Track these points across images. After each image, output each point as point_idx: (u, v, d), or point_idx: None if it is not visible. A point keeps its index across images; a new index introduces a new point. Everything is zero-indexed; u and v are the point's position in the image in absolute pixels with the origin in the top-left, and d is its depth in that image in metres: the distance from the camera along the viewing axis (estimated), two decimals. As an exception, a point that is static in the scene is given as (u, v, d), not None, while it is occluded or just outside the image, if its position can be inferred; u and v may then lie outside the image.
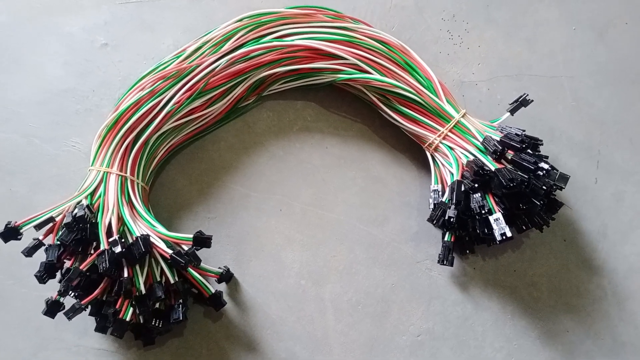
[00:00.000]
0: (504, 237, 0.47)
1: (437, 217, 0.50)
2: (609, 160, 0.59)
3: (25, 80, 0.59)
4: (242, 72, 0.54)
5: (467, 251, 0.54)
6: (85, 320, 0.51)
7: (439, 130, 0.53)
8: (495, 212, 0.48)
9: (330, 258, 0.56)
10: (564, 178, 0.50)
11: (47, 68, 0.59)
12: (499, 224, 0.48)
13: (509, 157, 0.49)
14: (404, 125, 0.55)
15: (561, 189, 0.50)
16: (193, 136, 0.56)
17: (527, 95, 0.52)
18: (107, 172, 0.50)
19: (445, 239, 0.52)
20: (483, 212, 0.48)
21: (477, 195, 0.49)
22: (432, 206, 0.52)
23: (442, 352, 0.55)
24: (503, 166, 0.49)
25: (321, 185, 0.57)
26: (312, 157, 0.58)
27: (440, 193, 0.53)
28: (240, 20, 0.54)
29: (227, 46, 0.53)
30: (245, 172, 0.57)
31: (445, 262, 0.52)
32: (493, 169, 0.48)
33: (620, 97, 0.59)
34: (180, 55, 0.53)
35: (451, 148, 0.52)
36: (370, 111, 0.58)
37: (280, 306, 0.55)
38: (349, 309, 0.55)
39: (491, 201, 0.49)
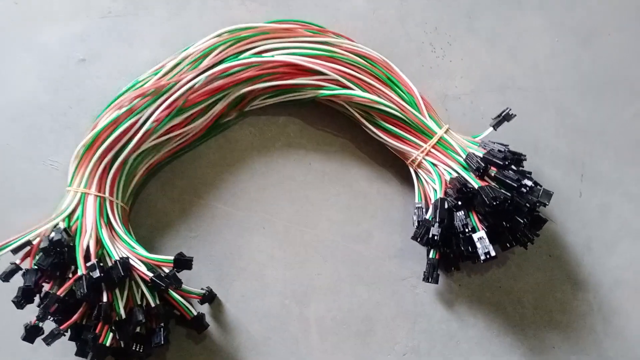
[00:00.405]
0: (488, 257, 0.48)
1: (421, 235, 0.50)
2: (593, 171, 0.59)
3: (-1, 96, 0.58)
4: (222, 88, 0.53)
5: (452, 268, 0.55)
6: (65, 343, 0.50)
7: (422, 147, 0.53)
8: (479, 231, 0.48)
9: (314, 276, 0.56)
10: (548, 194, 0.50)
11: (21, 82, 0.58)
12: (482, 243, 0.48)
13: (492, 174, 0.50)
14: (386, 141, 0.55)
15: (544, 205, 0.50)
16: (173, 154, 0.56)
17: (510, 110, 0.53)
18: (85, 193, 0.50)
19: (430, 256, 0.53)
20: (467, 230, 0.48)
21: (461, 213, 0.49)
22: (415, 223, 0.52)
23: (428, 370, 0.55)
24: (487, 184, 0.49)
25: (304, 202, 0.57)
26: (295, 174, 0.58)
27: (423, 210, 0.53)
28: (219, 35, 0.54)
29: (206, 62, 0.52)
30: (227, 190, 0.57)
31: (430, 279, 0.52)
32: (476, 186, 0.49)
33: (604, 108, 0.60)
34: (159, 72, 0.53)
35: (434, 165, 0.53)
36: (354, 126, 0.58)
37: (263, 326, 0.55)
38: (333, 327, 0.55)
39: (475, 219, 0.49)
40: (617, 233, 0.58)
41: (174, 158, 0.57)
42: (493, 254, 0.48)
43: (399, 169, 0.58)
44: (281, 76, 0.54)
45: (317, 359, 0.54)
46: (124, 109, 0.51)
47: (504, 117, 0.53)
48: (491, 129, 0.53)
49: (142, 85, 0.52)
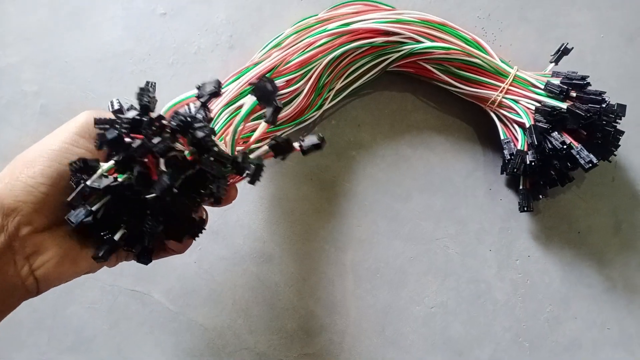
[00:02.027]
0: (591, 164, 0.56)
1: (517, 165, 0.58)
2: (627, 159, 0.67)
3: (86, 39, 0.69)
4: (311, 60, 0.59)
5: (541, 196, 0.63)
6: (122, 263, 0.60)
7: (500, 86, 0.61)
8: (576, 146, 0.56)
9: (354, 227, 0.64)
10: (622, 107, 0.58)
11: (107, 30, 0.69)
12: (582, 154, 0.56)
13: (574, 96, 0.58)
14: (465, 89, 0.62)
15: (622, 116, 0.58)
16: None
17: (567, 43, 0.61)
18: None
19: (521, 187, 0.62)
20: (564, 147, 0.56)
21: (555, 134, 0.57)
22: (507, 157, 0.60)
23: (453, 325, 0.62)
24: (571, 103, 0.57)
25: (351, 160, 0.66)
26: (345, 134, 0.67)
27: (511, 144, 0.60)
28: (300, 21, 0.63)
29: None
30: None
31: (526, 208, 0.61)
32: (565, 106, 0.56)
33: (638, 101, 0.68)
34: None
35: (515, 101, 0.60)
36: (403, 96, 0.67)
37: (303, 267, 0.63)
38: (367, 275, 0.63)
39: (569, 137, 0.57)
40: (646, 219, 0.65)
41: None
42: (595, 160, 0.56)
43: (441, 137, 0.67)
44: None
45: (350, 302, 0.62)
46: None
47: (562, 52, 0.61)
48: (552, 64, 0.62)
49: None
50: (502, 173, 0.64)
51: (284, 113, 0.60)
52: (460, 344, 0.61)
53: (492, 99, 0.62)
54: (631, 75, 0.67)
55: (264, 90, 0.41)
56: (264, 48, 0.62)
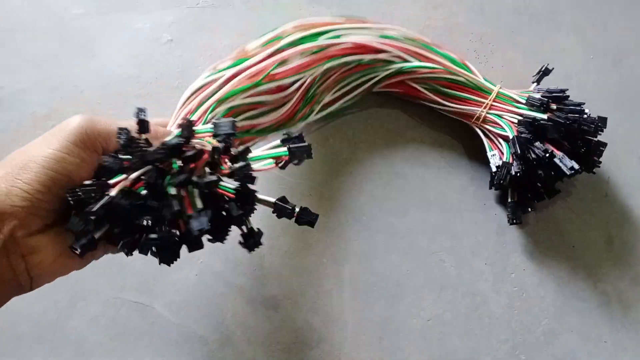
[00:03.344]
0: (573, 171, 0.60)
1: (504, 176, 0.62)
2: (619, 176, 0.71)
3: (94, 65, 0.75)
4: (295, 72, 0.64)
5: (529, 209, 0.67)
6: (124, 274, 0.64)
7: (484, 103, 0.66)
8: (558, 154, 0.61)
9: (352, 241, 0.69)
10: (603, 119, 0.63)
11: (114, 58, 0.76)
12: (564, 161, 0.61)
13: (554, 108, 0.63)
14: (450, 106, 0.68)
15: (603, 129, 0.63)
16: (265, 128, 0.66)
17: (548, 64, 0.67)
18: None
19: (509, 200, 0.66)
20: (547, 155, 0.60)
21: (538, 143, 0.61)
22: (494, 168, 0.65)
23: (450, 338, 0.66)
24: (551, 114, 0.62)
25: (348, 176, 0.71)
26: (342, 151, 0.72)
27: (497, 157, 0.65)
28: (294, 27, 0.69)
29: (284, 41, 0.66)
30: (281, 160, 0.71)
31: (515, 221, 0.66)
32: (545, 117, 0.62)
33: (630, 121, 0.73)
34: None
35: (499, 115, 0.66)
36: (397, 114, 0.73)
37: (302, 280, 0.67)
38: (365, 288, 0.67)
39: (550, 146, 0.61)
40: (637, 234, 0.69)
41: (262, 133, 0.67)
42: (577, 166, 0.60)
43: (435, 154, 0.72)
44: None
45: (347, 314, 0.66)
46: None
47: (543, 73, 0.67)
48: (534, 84, 0.67)
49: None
50: (490, 188, 0.69)
51: (270, 119, 0.65)
52: (458, 357, 0.64)
53: (477, 115, 0.67)
54: (617, 96, 0.73)
55: (298, 154, 0.48)
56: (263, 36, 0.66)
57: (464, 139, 0.71)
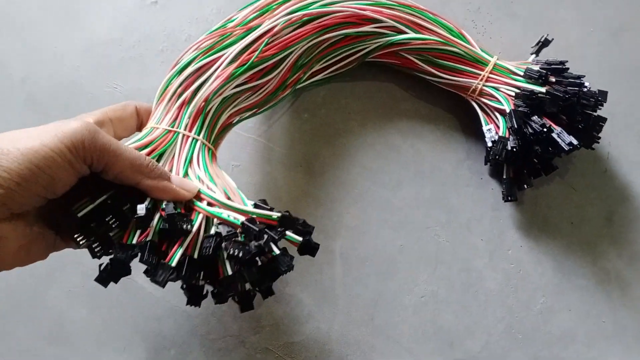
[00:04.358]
0: (571, 147, 0.58)
1: (499, 152, 0.61)
2: (619, 152, 0.70)
3: (75, 29, 0.72)
4: (289, 43, 0.61)
5: (526, 186, 0.65)
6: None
7: (480, 75, 0.64)
8: (556, 128, 0.59)
9: (344, 215, 0.67)
10: (604, 93, 0.61)
11: (96, 19, 0.72)
12: (562, 136, 0.59)
13: (553, 81, 0.61)
14: (445, 78, 0.66)
15: (603, 102, 0.61)
16: (253, 107, 0.63)
17: (548, 35, 0.65)
18: (178, 132, 0.51)
19: (504, 176, 0.65)
20: (544, 130, 0.59)
21: (535, 117, 0.60)
22: (490, 143, 0.63)
23: (445, 315, 0.64)
24: (550, 87, 0.60)
25: (341, 148, 0.69)
26: (336, 121, 0.70)
27: (493, 131, 0.63)
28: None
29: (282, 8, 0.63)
30: (270, 128, 0.69)
31: (510, 198, 0.64)
32: (544, 90, 0.60)
33: (630, 95, 0.71)
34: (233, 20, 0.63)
35: (496, 88, 0.64)
36: (391, 86, 0.71)
37: (291, 253, 0.65)
38: (357, 264, 0.65)
39: (548, 121, 0.60)
40: (637, 210, 0.68)
41: (254, 114, 0.64)
42: (575, 142, 0.58)
43: (431, 128, 0.70)
44: (347, 27, 0.65)
45: (338, 290, 0.64)
46: (202, 50, 0.58)
47: (542, 44, 0.65)
48: (533, 55, 0.65)
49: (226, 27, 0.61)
50: (486, 163, 0.67)
51: (255, 99, 0.62)
52: (452, 334, 0.62)
53: (473, 87, 0.65)
54: (618, 69, 0.72)
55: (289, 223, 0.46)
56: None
57: (459, 112, 0.70)
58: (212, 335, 0.60)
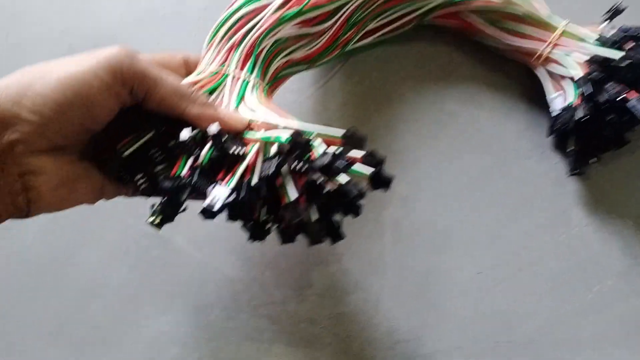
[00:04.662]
0: None
1: (567, 121, 0.56)
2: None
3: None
4: None
5: (593, 160, 0.61)
6: (143, 201, 0.59)
7: (548, 40, 0.60)
8: (632, 97, 0.54)
9: (395, 183, 0.62)
10: None
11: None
12: (639, 107, 0.54)
13: (629, 48, 0.56)
14: (510, 42, 0.62)
15: None
16: (310, 59, 0.59)
17: (621, 3, 0.60)
18: (230, 75, 0.48)
19: (568, 148, 0.60)
20: (619, 99, 0.54)
21: (609, 85, 0.55)
22: (556, 113, 0.59)
23: (500, 295, 0.59)
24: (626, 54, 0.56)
25: (393, 113, 0.65)
26: (388, 86, 0.66)
27: (560, 100, 0.59)
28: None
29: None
30: (318, 91, 0.66)
31: (575, 172, 0.60)
32: (619, 56, 0.55)
33: None
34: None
35: (565, 54, 0.59)
36: (449, 50, 0.67)
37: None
38: (408, 235, 0.61)
39: (624, 89, 0.55)
40: None
41: (310, 66, 0.61)
42: None
43: (491, 96, 0.66)
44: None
45: (387, 261, 0.60)
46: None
47: (615, 11, 0.60)
48: (607, 22, 0.61)
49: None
50: (549, 135, 0.62)
51: (307, 50, 0.58)
52: (509, 315, 0.58)
53: (539, 52, 0.61)
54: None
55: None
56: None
57: (522, 79, 0.66)
58: (255, 302, 0.57)
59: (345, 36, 0.61)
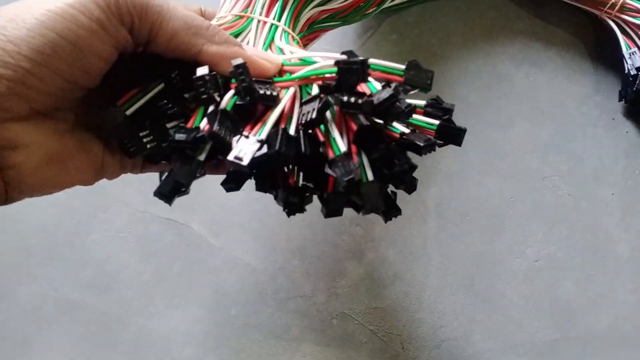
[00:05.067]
0: None
1: None
2: None
3: None
4: None
5: None
6: (156, 183, 0.52)
7: None
8: None
9: (439, 159, 0.55)
10: None
11: None
12: None
13: None
14: None
15: None
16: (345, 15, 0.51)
17: None
18: (255, 19, 0.41)
19: None
20: None
21: None
22: (632, 72, 0.51)
23: (563, 284, 0.52)
24: None
25: (438, 76, 0.56)
26: (431, 44, 0.57)
27: (638, 57, 0.52)
28: None
29: None
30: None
31: None
32: None
33: None
34: None
35: None
36: (502, 2, 0.58)
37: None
38: (455, 218, 0.53)
39: None
40: None
41: (345, 21, 0.52)
42: None
43: (552, 55, 0.57)
44: None
45: (432, 248, 0.52)
46: None
47: None
48: None
49: None
50: (621, 99, 0.54)
51: (342, 4, 0.49)
52: (572, 308, 0.51)
53: (612, 0, 0.52)
54: None
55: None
56: None
57: (588, 34, 0.57)
58: (281, 294, 0.51)
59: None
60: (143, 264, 0.52)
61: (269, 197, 0.34)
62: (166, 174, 0.31)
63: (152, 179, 0.36)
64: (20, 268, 0.52)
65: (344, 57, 0.29)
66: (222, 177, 0.34)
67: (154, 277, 0.51)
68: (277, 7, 0.41)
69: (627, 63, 0.52)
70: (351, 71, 0.29)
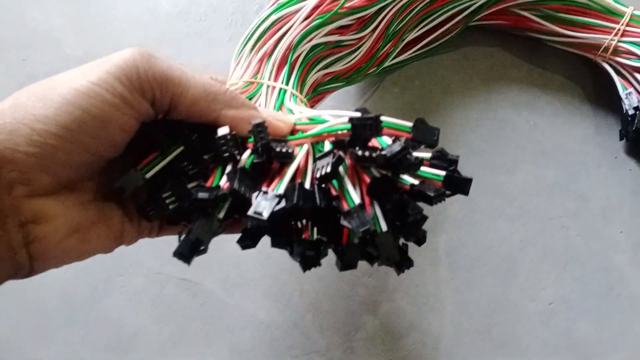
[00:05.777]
0: None
1: None
2: None
3: (135, 4, 0.65)
4: None
5: None
6: (169, 244, 0.53)
7: (614, 29, 0.53)
8: None
9: (448, 205, 0.55)
10: None
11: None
12: None
13: None
14: (570, 36, 0.55)
15: None
16: (349, 75, 0.53)
17: None
18: (264, 84, 0.42)
19: None
20: None
21: None
22: (630, 112, 0.52)
23: (579, 325, 0.51)
24: None
25: (441, 126, 0.57)
26: (433, 95, 0.59)
27: (634, 96, 0.53)
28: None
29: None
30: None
31: None
32: None
33: None
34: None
35: (635, 43, 0.52)
36: (497, 50, 0.59)
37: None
38: (466, 264, 0.53)
39: None
40: None
41: (349, 82, 0.54)
42: None
43: (550, 99, 0.58)
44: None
45: (446, 295, 0.52)
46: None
47: None
48: None
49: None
50: (622, 138, 0.55)
51: (345, 63, 0.52)
52: (589, 348, 0.50)
53: (605, 45, 0.54)
54: None
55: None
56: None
57: (584, 78, 0.59)
58: (295, 351, 0.51)
59: (384, 49, 0.54)
60: (159, 325, 0.52)
61: (280, 253, 0.35)
62: (184, 234, 0.32)
63: (164, 239, 0.37)
64: (39, 333, 0.52)
65: (358, 114, 0.31)
66: (234, 235, 0.35)
67: (170, 338, 0.52)
68: (284, 72, 0.43)
69: (624, 103, 0.53)
70: (365, 127, 0.31)
